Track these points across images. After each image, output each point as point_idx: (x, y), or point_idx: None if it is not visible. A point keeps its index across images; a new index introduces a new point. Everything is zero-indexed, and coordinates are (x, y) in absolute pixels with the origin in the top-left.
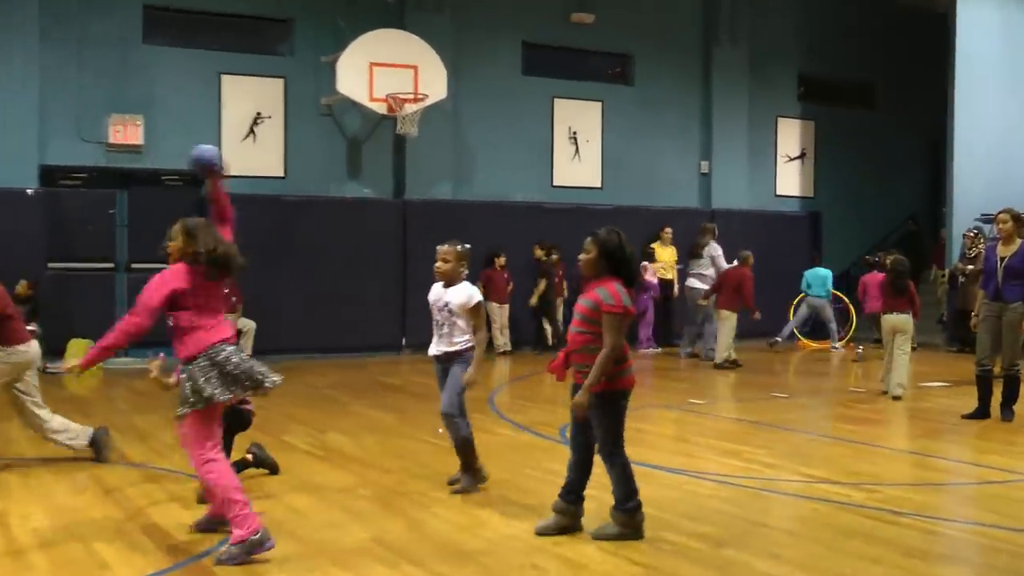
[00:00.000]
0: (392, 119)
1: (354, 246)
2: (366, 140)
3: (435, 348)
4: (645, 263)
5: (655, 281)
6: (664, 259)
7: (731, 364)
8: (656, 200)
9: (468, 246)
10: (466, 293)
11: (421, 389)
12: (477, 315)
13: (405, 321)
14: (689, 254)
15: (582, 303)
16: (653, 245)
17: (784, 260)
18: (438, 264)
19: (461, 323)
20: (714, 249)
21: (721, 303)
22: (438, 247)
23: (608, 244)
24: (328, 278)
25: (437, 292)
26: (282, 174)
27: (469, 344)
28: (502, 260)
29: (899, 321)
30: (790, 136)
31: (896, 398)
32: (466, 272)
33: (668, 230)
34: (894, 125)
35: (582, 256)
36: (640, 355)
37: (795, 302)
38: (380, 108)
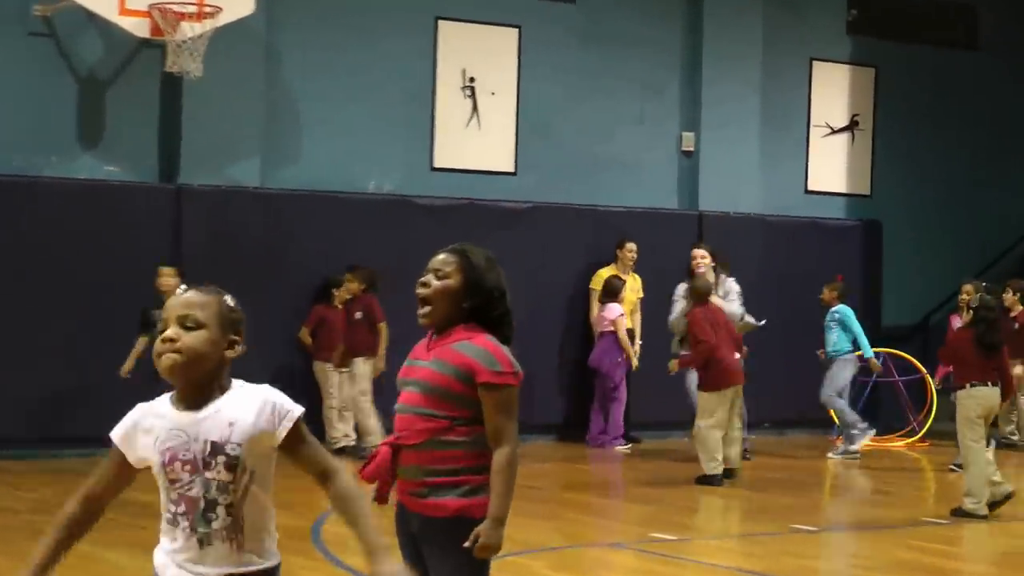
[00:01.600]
0: (158, 47)
1: (87, 267)
2: (112, 83)
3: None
4: (610, 303)
5: (622, 334)
6: (628, 296)
7: (723, 476)
8: (607, 196)
9: (230, 302)
10: (257, 404)
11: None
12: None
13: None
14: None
15: (427, 367)
16: (608, 272)
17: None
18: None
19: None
20: (731, 288)
21: (708, 379)
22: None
23: (480, 270)
24: (42, 320)
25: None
26: None
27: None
28: (348, 290)
29: (996, 397)
30: (832, 93)
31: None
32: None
33: (631, 247)
34: (1008, 76)
35: (430, 285)
36: (605, 454)
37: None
38: (138, 27)
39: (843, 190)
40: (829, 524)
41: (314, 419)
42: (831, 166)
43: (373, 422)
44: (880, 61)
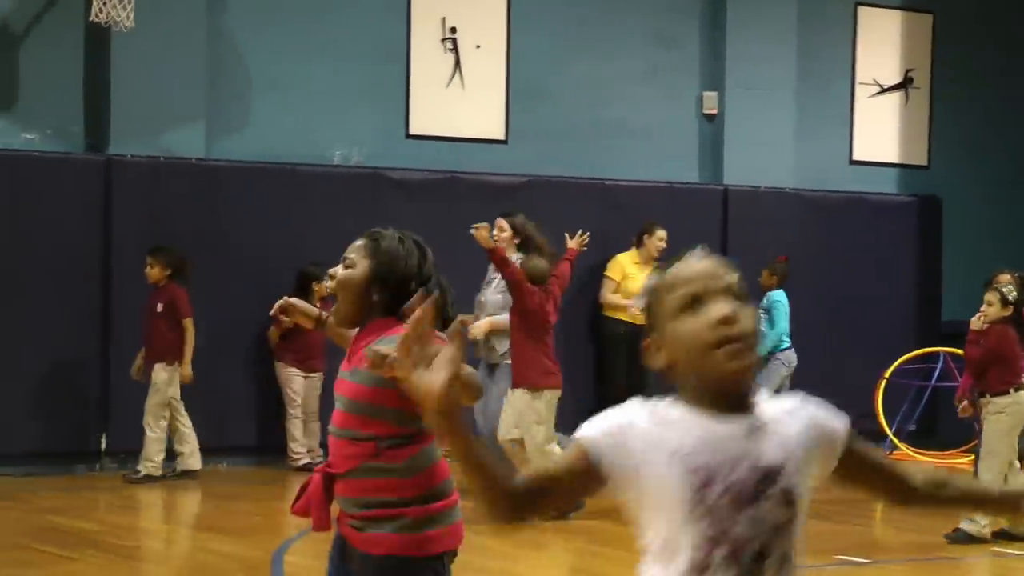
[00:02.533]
0: None
1: (1, 251)
2: (28, 36)
3: None
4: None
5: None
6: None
7: None
8: (614, 167)
9: None
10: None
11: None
12: None
13: (108, 398)
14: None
15: (346, 379)
16: (628, 260)
17: (872, 291)
18: None
19: None
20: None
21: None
22: None
23: (392, 255)
24: None
25: None
26: None
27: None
28: (325, 286)
29: None
30: (882, 45)
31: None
32: None
33: (661, 235)
34: None
35: (338, 276)
36: None
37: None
38: None
39: (895, 160)
40: (881, 556)
41: (277, 431)
42: (880, 132)
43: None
44: (938, 6)
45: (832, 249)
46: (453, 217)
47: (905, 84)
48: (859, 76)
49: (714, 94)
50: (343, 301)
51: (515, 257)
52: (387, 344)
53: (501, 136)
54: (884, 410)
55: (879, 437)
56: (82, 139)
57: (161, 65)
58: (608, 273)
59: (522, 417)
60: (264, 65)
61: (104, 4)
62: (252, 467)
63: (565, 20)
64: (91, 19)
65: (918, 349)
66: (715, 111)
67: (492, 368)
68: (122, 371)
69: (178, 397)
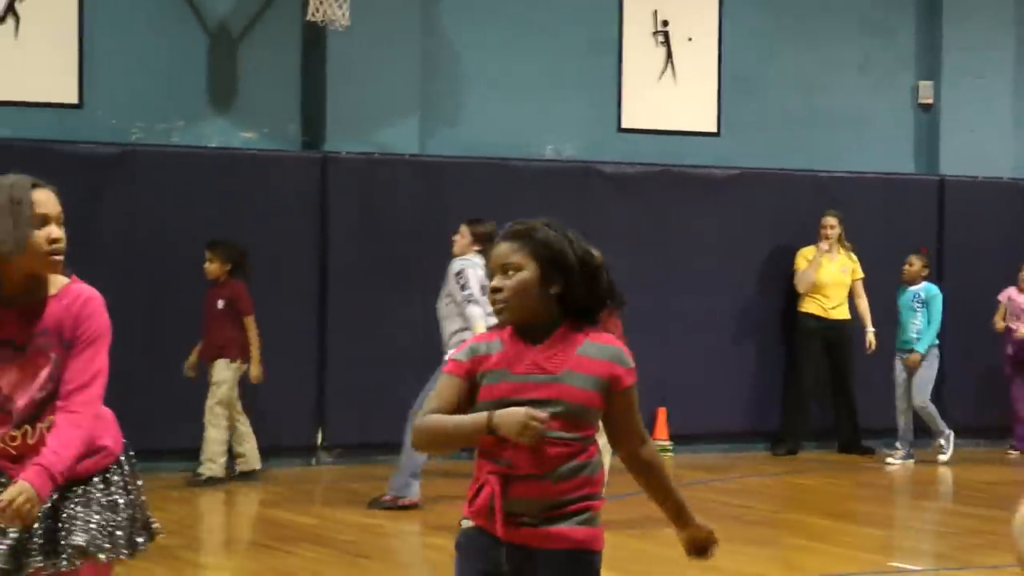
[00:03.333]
0: None
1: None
2: (246, 36)
3: None
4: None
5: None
6: (829, 278)
7: None
8: (827, 159)
9: None
10: None
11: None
12: None
13: (323, 398)
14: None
15: (559, 383)
16: (810, 252)
17: None
18: None
19: None
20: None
21: None
22: None
23: (554, 245)
24: (173, 309)
25: None
26: (75, 100)
27: None
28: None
29: None
30: None
31: None
32: None
33: (829, 221)
34: None
35: (502, 289)
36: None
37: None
38: None
39: None
40: (935, 563)
41: None
42: None
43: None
44: None
45: None
46: (665, 209)
47: None
48: None
49: (929, 83)
50: (517, 306)
51: (478, 261)
52: (598, 352)
53: (713, 128)
54: None
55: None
56: (299, 137)
57: (376, 62)
58: (796, 267)
59: None
60: (476, 60)
61: (321, 3)
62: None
63: (777, 10)
64: (308, 18)
65: None
66: (931, 100)
67: None
68: (335, 397)
69: (236, 395)
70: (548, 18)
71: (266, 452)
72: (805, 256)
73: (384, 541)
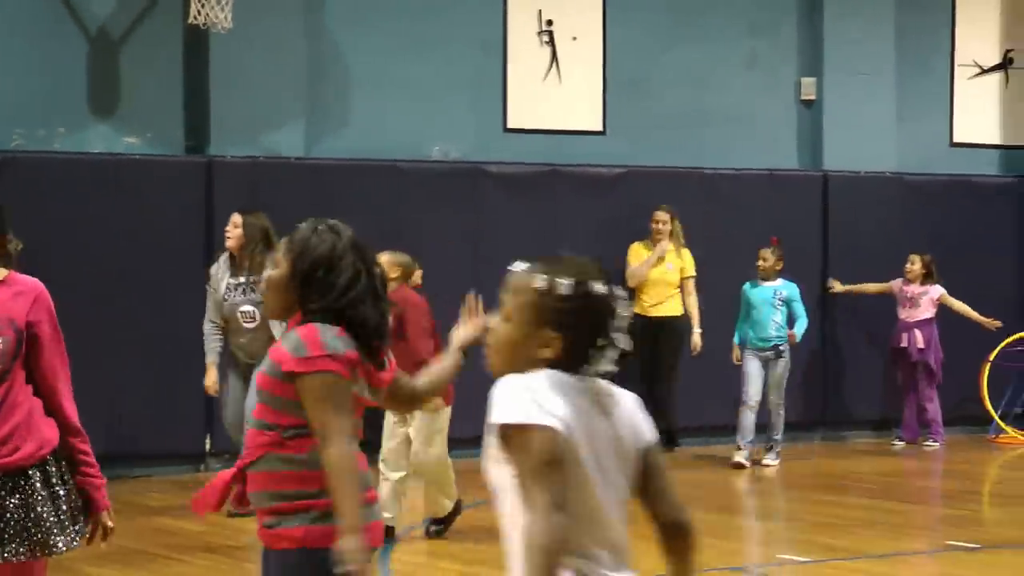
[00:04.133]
0: None
1: (106, 254)
2: (127, 40)
3: None
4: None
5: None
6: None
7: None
8: (713, 156)
9: None
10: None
11: None
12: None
13: (212, 398)
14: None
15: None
16: (641, 248)
17: (976, 273)
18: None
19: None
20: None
21: None
22: None
23: (303, 245)
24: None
25: None
26: None
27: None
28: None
29: None
30: (981, 25)
31: None
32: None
33: (659, 216)
34: None
35: (265, 276)
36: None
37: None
38: None
39: (996, 141)
40: (991, 542)
41: None
42: (981, 113)
43: None
44: None
45: (934, 232)
46: (553, 208)
47: (1005, 64)
48: (958, 58)
49: (812, 79)
50: (273, 301)
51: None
52: (282, 340)
53: (599, 127)
54: (989, 394)
55: (985, 421)
56: (183, 142)
57: (260, 65)
58: (629, 259)
59: None
60: (361, 62)
61: (202, 6)
62: None
63: (661, 9)
64: (189, 21)
65: (1022, 332)
66: (813, 97)
67: None
68: None
69: None
70: (433, 19)
71: (155, 459)
72: (637, 252)
73: None
